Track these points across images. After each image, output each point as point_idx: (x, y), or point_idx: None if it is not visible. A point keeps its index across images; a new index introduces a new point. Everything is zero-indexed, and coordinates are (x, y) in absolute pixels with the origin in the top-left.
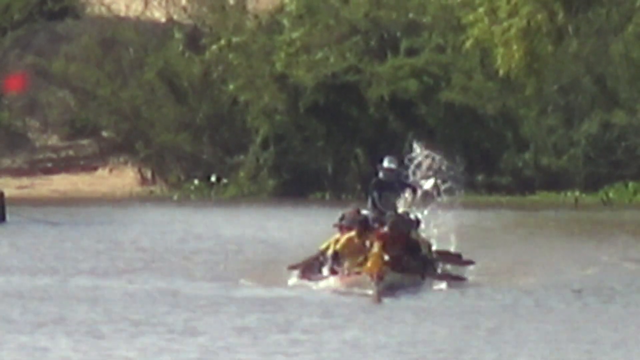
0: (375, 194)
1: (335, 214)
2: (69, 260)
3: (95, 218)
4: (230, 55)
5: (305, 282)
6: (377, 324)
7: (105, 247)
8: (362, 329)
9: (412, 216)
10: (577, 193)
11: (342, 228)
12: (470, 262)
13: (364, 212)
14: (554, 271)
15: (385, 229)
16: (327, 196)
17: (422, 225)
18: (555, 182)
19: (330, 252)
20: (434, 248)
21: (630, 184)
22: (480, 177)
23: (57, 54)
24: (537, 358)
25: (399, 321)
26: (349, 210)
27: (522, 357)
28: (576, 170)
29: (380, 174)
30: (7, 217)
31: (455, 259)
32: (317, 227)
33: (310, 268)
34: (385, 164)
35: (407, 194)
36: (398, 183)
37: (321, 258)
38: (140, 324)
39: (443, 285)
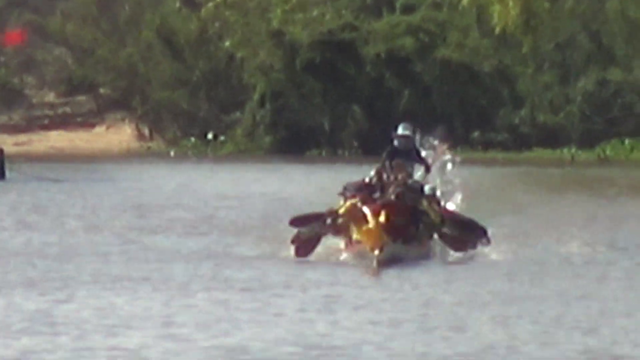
0: (387, 162)
1: (332, 170)
2: (68, 216)
3: (94, 174)
4: (227, 12)
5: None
6: (373, 297)
7: (104, 204)
8: (357, 302)
9: (426, 188)
10: (573, 150)
11: (345, 197)
12: (486, 239)
13: (372, 172)
14: (557, 235)
15: (392, 197)
16: (324, 153)
17: (438, 192)
18: (551, 138)
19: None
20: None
21: (627, 141)
22: (476, 134)
23: (53, 11)
24: (537, 327)
25: (396, 294)
26: (353, 181)
27: (524, 330)
28: (572, 127)
29: (395, 142)
30: (7, 174)
31: (472, 234)
32: (314, 183)
33: (308, 243)
34: (400, 130)
35: (420, 172)
36: (414, 152)
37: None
38: (137, 281)
39: (446, 253)
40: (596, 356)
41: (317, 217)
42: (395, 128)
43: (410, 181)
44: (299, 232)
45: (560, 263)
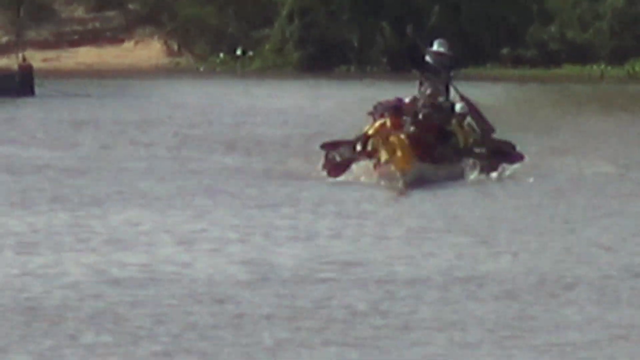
0: (418, 80)
1: (361, 87)
2: (97, 133)
3: (123, 90)
4: None
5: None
6: (398, 215)
7: (133, 120)
8: (382, 220)
9: (457, 106)
10: (602, 66)
11: (375, 116)
12: (520, 157)
13: (407, 99)
14: (590, 152)
15: (419, 117)
16: (353, 69)
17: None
18: (580, 55)
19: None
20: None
21: None
22: (505, 51)
23: None
24: (560, 248)
25: (420, 213)
26: (385, 100)
27: (552, 248)
28: (602, 44)
29: (427, 58)
30: (36, 91)
31: (507, 154)
32: (343, 99)
33: (340, 165)
34: (435, 46)
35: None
36: (445, 70)
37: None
38: (166, 197)
39: (475, 173)
40: (620, 274)
41: (348, 144)
42: (430, 44)
43: (440, 100)
44: (329, 156)
45: (593, 180)
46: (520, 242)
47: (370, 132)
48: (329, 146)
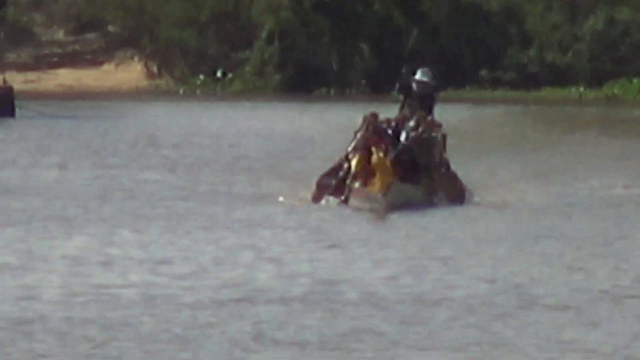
0: (401, 97)
1: (340, 109)
2: (76, 155)
3: (103, 112)
4: None
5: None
6: (376, 238)
7: (112, 142)
8: (360, 242)
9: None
10: (581, 89)
11: (365, 123)
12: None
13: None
14: (572, 173)
15: (400, 147)
16: (332, 91)
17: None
18: (559, 78)
19: (351, 170)
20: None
21: (635, 80)
22: (484, 73)
23: None
24: (535, 270)
25: (398, 235)
26: (367, 115)
27: (524, 275)
28: (580, 67)
29: (414, 85)
30: (17, 112)
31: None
32: (322, 121)
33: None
34: (418, 75)
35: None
36: (430, 101)
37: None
38: (141, 218)
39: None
40: (593, 296)
41: (329, 176)
42: (414, 72)
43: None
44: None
45: (569, 203)
46: (495, 264)
47: (354, 166)
48: (319, 197)
